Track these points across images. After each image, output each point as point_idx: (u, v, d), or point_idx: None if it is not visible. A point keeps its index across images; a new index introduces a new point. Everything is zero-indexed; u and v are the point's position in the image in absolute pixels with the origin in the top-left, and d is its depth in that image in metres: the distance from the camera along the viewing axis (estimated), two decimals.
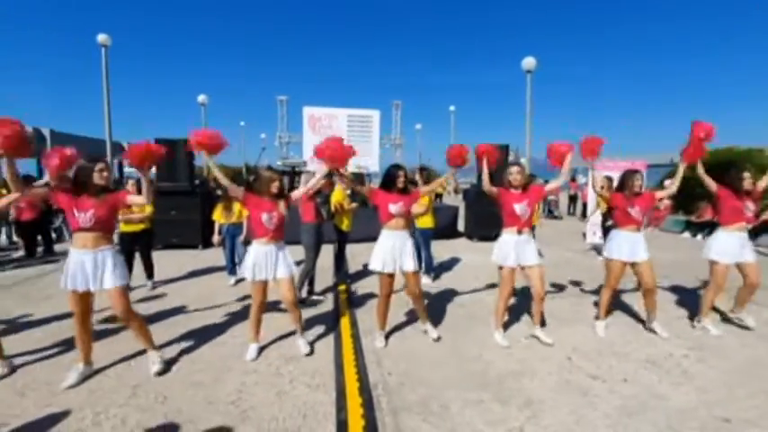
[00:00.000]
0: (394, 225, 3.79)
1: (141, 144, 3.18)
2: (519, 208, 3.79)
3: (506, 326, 4.22)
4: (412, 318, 4.52)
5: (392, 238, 3.77)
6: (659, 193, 4.34)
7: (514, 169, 3.89)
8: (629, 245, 3.99)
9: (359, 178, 13.76)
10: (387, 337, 4.01)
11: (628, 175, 4.06)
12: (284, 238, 3.67)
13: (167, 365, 3.40)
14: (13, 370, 3.32)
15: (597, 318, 4.27)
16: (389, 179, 3.81)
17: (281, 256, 3.59)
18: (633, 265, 4.02)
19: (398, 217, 3.78)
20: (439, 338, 3.97)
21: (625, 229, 4.03)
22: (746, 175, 4.22)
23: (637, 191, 4.02)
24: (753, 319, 4.28)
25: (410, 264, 3.79)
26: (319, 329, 4.27)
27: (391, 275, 3.80)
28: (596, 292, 5.63)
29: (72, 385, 3.08)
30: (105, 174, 3.18)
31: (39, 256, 8.08)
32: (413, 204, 3.93)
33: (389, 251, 3.74)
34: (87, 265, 3.07)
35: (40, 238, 8.36)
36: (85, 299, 3.15)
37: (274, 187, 3.59)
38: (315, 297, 5.33)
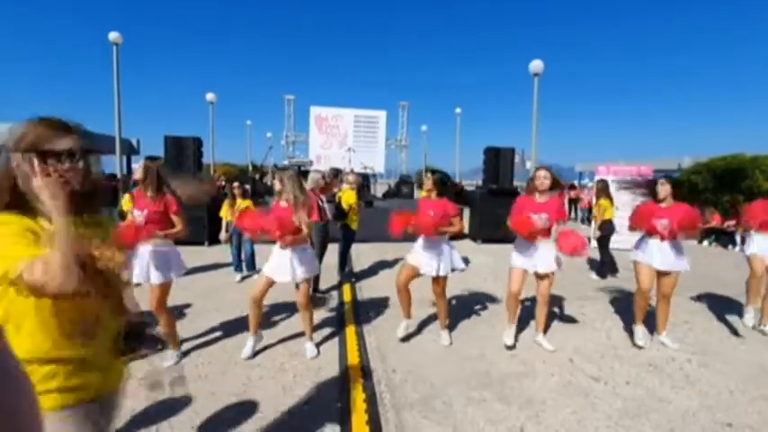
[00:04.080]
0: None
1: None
2: (534, 218, 3.68)
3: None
4: (417, 317, 4.54)
5: (423, 242, 3.78)
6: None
7: (542, 173, 3.76)
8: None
9: (364, 179, 13.81)
10: (407, 337, 4.03)
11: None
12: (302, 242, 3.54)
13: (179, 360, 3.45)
14: None
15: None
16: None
17: (295, 261, 3.49)
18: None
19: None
20: (450, 344, 3.93)
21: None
22: None
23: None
24: None
25: (430, 269, 3.74)
26: (324, 326, 4.31)
27: (413, 268, 3.80)
28: (599, 295, 5.64)
29: None
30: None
31: None
32: (443, 216, 3.69)
33: (419, 249, 3.80)
34: (142, 259, 3.21)
35: None
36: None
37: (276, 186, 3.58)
38: (320, 295, 5.38)
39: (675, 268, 3.82)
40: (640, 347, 3.91)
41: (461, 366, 3.51)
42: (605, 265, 6.81)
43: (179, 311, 4.70)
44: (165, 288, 3.33)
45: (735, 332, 4.37)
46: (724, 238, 9.93)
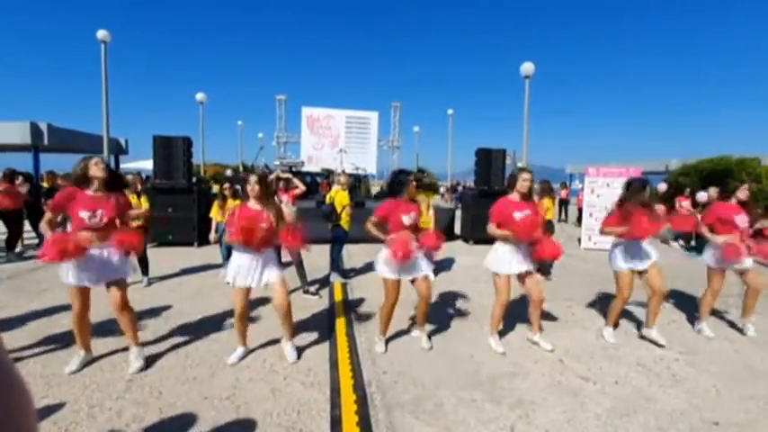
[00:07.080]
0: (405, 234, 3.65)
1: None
2: (519, 216, 3.67)
3: (501, 330, 4.20)
4: (407, 319, 4.54)
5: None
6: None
7: (527, 175, 3.77)
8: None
9: (355, 180, 13.79)
10: (396, 338, 4.01)
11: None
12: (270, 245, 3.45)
13: (147, 364, 3.34)
14: None
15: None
16: (399, 186, 3.71)
17: (261, 265, 3.38)
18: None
19: (410, 227, 3.68)
20: (431, 348, 3.84)
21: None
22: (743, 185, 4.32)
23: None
24: (753, 330, 4.31)
25: (416, 272, 3.68)
26: (315, 327, 4.29)
27: (397, 281, 3.69)
28: (587, 295, 5.68)
29: (74, 371, 3.17)
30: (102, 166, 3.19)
31: (22, 251, 7.87)
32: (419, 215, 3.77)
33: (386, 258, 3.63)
34: (94, 260, 3.11)
35: (31, 231, 8.29)
36: (86, 293, 3.20)
37: (252, 191, 3.41)
38: (310, 296, 5.35)
39: (652, 261, 3.94)
40: (613, 343, 4.05)
41: (452, 367, 3.51)
42: (545, 266, 6.66)
43: (168, 313, 4.64)
44: (125, 287, 3.28)
45: (727, 332, 4.42)
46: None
